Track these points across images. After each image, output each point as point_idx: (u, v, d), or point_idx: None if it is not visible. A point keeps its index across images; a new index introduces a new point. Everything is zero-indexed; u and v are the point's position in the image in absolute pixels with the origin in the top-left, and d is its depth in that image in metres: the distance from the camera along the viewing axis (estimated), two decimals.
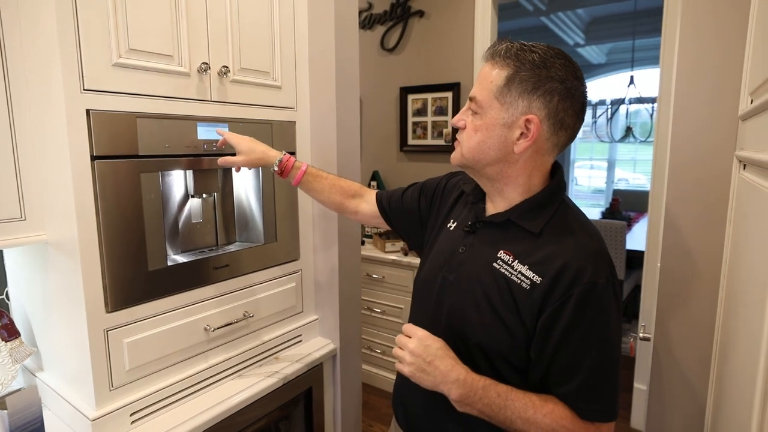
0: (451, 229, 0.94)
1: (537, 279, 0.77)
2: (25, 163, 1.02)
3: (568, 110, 0.77)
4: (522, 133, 0.77)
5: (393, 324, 2.61)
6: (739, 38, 1.03)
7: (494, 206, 0.87)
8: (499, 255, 0.82)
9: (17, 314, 1.23)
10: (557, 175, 0.84)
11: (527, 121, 0.76)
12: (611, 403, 0.77)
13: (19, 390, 0.94)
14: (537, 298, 0.76)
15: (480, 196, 0.90)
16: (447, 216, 0.98)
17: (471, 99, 0.82)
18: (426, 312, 0.91)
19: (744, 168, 0.93)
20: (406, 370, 0.81)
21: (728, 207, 1.06)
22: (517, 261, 0.80)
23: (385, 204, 1.14)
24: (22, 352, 1.14)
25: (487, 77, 0.79)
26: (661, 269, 1.20)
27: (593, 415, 0.76)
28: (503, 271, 0.80)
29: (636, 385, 2.43)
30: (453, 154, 0.86)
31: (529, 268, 0.78)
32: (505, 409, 0.76)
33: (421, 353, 0.79)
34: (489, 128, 0.79)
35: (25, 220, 1.03)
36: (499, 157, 0.80)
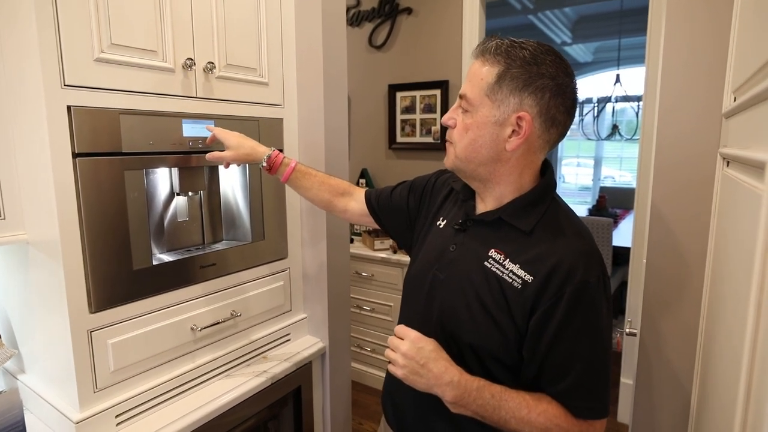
0: (441, 227, 0.94)
1: (528, 278, 0.76)
2: (3, 161, 0.99)
3: (560, 107, 0.76)
4: (514, 131, 0.76)
5: (382, 322, 2.61)
6: (723, 37, 1.04)
7: (484, 204, 0.86)
8: (490, 254, 0.82)
9: None
10: (548, 173, 0.84)
11: (519, 118, 0.75)
12: (603, 401, 0.77)
13: None
14: (529, 297, 0.76)
15: (470, 193, 0.90)
16: (436, 214, 0.97)
17: (461, 97, 0.81)
18: (417, 310, 0.91)
19: (727, 165, 0.95)
20: (399, 373, 0.80)
21: (712, 203, 1.08)
22: (508, 260, 0.79)
23: (374, 202, 1.13)
24: (3, 354, 1.11)
25: (477, 74, 0.78)
26: (647, 265, 1.21)
27: (586, 412, 0.77)
28: (495, 270, 0.80)
29: (622, 380, 2.47)
30: (446, 157, 0.85)
31: (521, 267, 0.78)
32: (500, 410, 0.76)
33: (414, 356, 0.78)
34: (480, 126, 0.78)
35: (4, 219, 1.00)
36: (491, 156, 0.79)
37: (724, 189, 0.96)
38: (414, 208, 1.05)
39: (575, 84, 0.78)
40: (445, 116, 0.83)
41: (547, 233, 0.79)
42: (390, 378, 0.97)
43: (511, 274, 0.78)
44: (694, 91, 1.10)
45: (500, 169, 0.81)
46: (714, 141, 1.07)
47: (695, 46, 1.09)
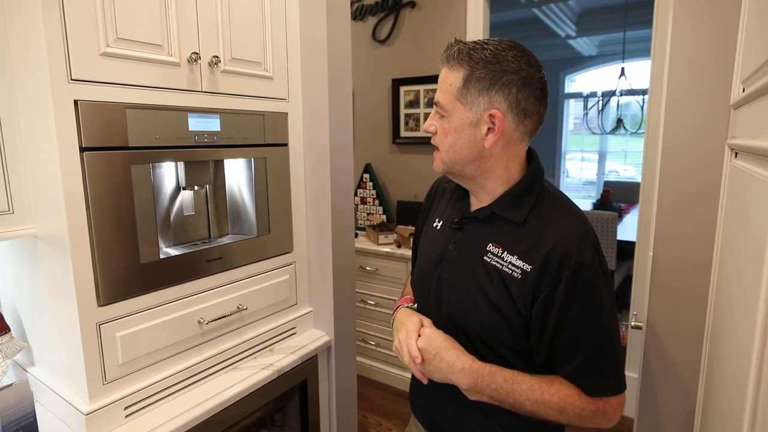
0: (438, 228, 0.96)
1: (527, 267, 0.78)
2: (11, 156, 1.00)
3: (529, 98, 0.78)
4: (489, 128, 0.79)
5: (387, 316, 2.61)
6: (731, 27, 1.03)
7: (479, 201, 0.88)
8: (488, 248, 0.84)
9: (6, 309, 1.21)
10: (533, 162, 0.86)
11: (491, 116, 0.78)
12: (615, 377, 0.79)
13: (10, 385, 0.93)
14: (529, 286, 0.78)
15: (463, 193, 0.92)
16: (433, 216, 1.00)
17: (436, 104, 0.84)
18: (429, 310, 0.93)
19: (736, 156, 0.94)
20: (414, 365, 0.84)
21: (720, 195, 1.08)
22: (506, 252, 0.81)
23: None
24: (13, 347, 1.12)
25: (446, 81, 0.81)
26: (654, 258, 1.21)
27: (598, 390, 0.78)
28: (494, 263, 0.82)
29: (627, 373, 2.47)
30: (434, 163, 0.88)
31: (519, 258, 0.80)
32: (513, 393, 0.78)
33: (426, 347, 0.82)
34: (457, 129, 0.81)
35: (13, 213, 1.01)
36: (474, 155, 0.82)
37: (732, 180, 0.96)
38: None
39: (541, 73, 0.80)
40: (426, 124, 0.87)
41: (539, 221, 0.81)
42: (415, 377, 0.99)
43: (510, 266, 0.80)
44: (702, 83, 1.09)
45: (485, 166, 0.83)
46: (722, 132, 1.07)
47: (703, 36, 1.08)
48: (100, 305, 1.00)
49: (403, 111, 2.85)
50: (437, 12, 2.65)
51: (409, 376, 0.96)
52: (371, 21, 2.89)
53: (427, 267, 0.94)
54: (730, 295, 0.84)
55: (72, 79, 0.93)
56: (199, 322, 1.20)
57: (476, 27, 2.52)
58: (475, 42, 0.80)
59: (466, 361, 0.79)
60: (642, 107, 4.41)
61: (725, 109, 1.06)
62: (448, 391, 0.84)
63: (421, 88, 2.76)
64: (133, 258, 1.05)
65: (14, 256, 1.14)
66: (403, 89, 2.83)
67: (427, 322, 0.88)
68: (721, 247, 1.02)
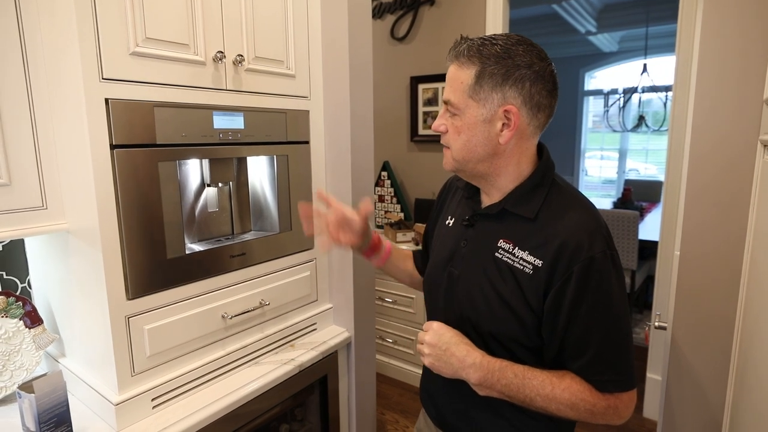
0: (450, 225, 0.96)
1: (538, 263, 0.78)
2: (45, 153, 1.03)
3: (542, 92, 0.78)
4: (504, 124, 0.79)
5: (404, 314, 2.62)
6: (763, 20, 1.00)
7: (489, 198, 0.88)
8: (499, 244, 0.84)
9: (39, 302, 1.25)
10: (544, 157, 0.85)
11: (506, 111, 0.78)
12: (626, 373, 0.78)
13: (44, 374, 0.96)
14: (540, 281, 0.78)
15: (473, 190, 0.92)
16: (445, 213, 1.00)
17: (446, 102, 0.83)
18: (440, 307, 0.93)
19: None
20: (426, 361, 0.85)
21: (751, 192, 1.05)
22: (517, 248, 0.81)
23: (419, 265, 1.13)
24: (45, 338, 1.16)
25: (456, 78, 0.80)
26: (681, 257, 1.19)
27: (609, 385, 0.78)
28: (505, 259, 0.82)
29: (649, 375, 2.43)
30: (444, 161, 0.87)
31: (530, 253, 0.79)
32: (524, 388, 0.78)
33: (436, 343, 0.83)
34: (471, 127, 0.80)
35: (46, 209, 1.04)
36: (488, 152, 0.81)
37: (764, 177, 0.93)
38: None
39: (552, 66, 0.80)
40: (435, 123, 0.86)
41: (550, 216, 0.81)
42: (425, 373, 1.02)
43: (521, 261, 0.80)
44: (732, 77, 1.07)
45: (498, 162, 0.83)
46: (753, 128, 1.04)
47: (733, 30, 1.06)
48: (129, 299, 1.03)
49: (421, 109, 2.85)
50: (456, 9, 2.63)
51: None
52: (390, 19, 2.89)
53: (438, 264, 0.94)
54: (762, 296, 0.82)
55: (103, 78, 0.95)
56: (222, 316, 1.22)
57: (495, 23, 2.50)
58: (482, 38, 0.79)
59: (476, 356, 0.80)
60: (665, 104, 4.32)
61: (757, 104, 1.03)
62: (459, 388, 0.85)
63: (440, 85, 2.75)
64: (161, 253, 1.07)
65: (47, 250, 1.17)
66: (421, 87, 2.82)
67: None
68: (752, 246, 1.00)
